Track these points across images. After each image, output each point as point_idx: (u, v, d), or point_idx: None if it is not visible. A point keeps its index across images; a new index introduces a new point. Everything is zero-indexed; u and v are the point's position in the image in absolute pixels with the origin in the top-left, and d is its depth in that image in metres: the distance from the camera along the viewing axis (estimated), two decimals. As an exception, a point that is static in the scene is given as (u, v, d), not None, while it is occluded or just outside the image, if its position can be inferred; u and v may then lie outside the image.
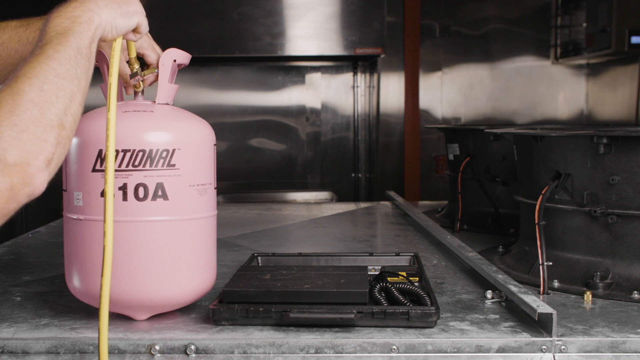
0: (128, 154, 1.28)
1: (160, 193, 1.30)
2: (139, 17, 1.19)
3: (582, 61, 5.21)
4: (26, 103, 0.91)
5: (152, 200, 1.29)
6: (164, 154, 1.30)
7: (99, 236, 1.19)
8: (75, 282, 1.35)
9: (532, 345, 1.24)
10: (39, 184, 0.89)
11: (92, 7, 1.09)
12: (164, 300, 1.34)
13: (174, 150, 1.30)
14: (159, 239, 1.31)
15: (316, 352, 1.24)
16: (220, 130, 5.09)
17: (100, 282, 1.13)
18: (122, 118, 1.28)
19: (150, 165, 1.29)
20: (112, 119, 1.13)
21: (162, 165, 1.30)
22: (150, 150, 1.29)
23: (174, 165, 1.31)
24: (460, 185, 2.41)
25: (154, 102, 1.37)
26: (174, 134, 1.32)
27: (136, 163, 1.28)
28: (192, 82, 4.95)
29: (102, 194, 1.24)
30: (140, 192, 1.29)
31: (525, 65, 5.29)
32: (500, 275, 1.53)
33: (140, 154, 1.28)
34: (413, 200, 4.40)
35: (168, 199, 1.30)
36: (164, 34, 4.34)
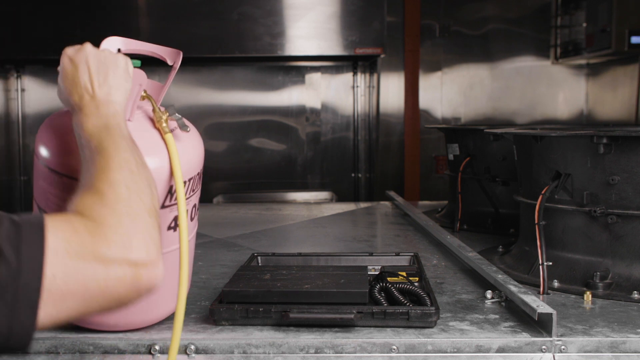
0: (188, 183, 1.28)
1: (192, 215, 1.32)
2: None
3: (582, 61, 5.21)
4: (124, 193, 0.94)
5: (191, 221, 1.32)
6: (197, 177, 1.31)
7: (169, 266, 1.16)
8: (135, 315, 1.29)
9: (532, 345, 1.24)
10: (160, 278, 0.91)
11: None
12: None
13: (199, 173, 1.32)
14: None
15: (316, 352, 1.24)
16: (220, 130, 5.12)
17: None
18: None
19: (192, 192, 1.30)
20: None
21: (196, 188, 1.32)
22: (197, 174, 1.30)
23: (196, 188, 1.32)
24: (460, 185, 2.40)
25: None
26: (201, 154, 1.32)
27: (193, 188, 1.30)
28: (192, 82, 4.95)
29: (169, 227, 1.26)
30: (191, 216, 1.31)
31: (525, 65, 5.29)
32: (500, 275, 1.53)
33: (192, 180, 1.28)
34: (413, 200, 4.40)
35: (192, 220, 1.33)
36: (164, 34, 4.35)
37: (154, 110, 1.26)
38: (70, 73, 1.13)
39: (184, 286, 1.14)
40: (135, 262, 0.88)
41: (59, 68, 1.16)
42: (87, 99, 1.10)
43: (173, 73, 1.32)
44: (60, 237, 0.84)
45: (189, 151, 1.27)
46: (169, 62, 1.32)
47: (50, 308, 0.82)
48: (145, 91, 1.26)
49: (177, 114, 1.28)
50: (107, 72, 1.13)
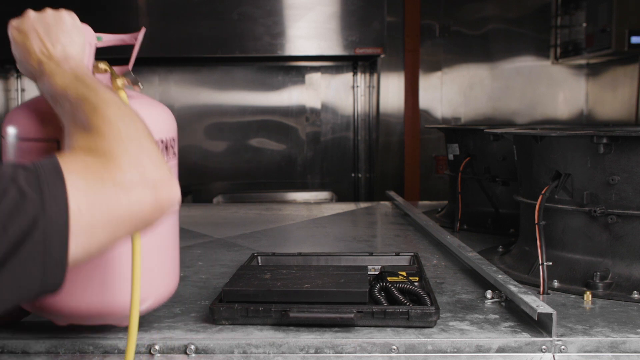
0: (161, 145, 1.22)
1: None
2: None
3: (582, 61, 5.21)
4: (120, 124, 0.96)
5: None
6: (173, 143, 1.27)
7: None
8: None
9: (532, 345, 1.24)
10: (178, 197, 0.95)
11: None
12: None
13: (174, 139, 1.27)
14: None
15: (316, 352, 1.24)
16: (220, 130, 5.12)
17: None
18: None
19: (167, 156, 1.24)
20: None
21: (173, 156, 1.27)
22: (162, 141, 1.23)
23: (175, 154, 1.28)
24: (460, 185, 2.41)
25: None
26: (167, 120, 1.27)
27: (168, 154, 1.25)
28: (192, 82, 4.95)
29: None
30: None
31: (525, 65, 5.29)
32: (500, 275, 1.53)
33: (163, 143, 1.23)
34: (413, 200, 4.40)
35: None
36: (164, 34, 4.35)
37: (111, 74, 1.24)
38: (21, 42, 1.15)
39: (137, 285, 1.11)
40: (153, 182, 0.91)
41: (11, 41, 1.17)
42: (45, 61, 1.11)
43: (136, 49, 1.30)
44: (76, 173, 0.86)
45: (152, 114, 1.22)
46: (131, 42, 1.30)
47: (82, 240, 0.84)
48: (107, 63, 1.24)
49: (132, 74, 1.26)
50: (56, 31, 1.14)
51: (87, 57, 1.23)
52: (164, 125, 1.26)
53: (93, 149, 0.92)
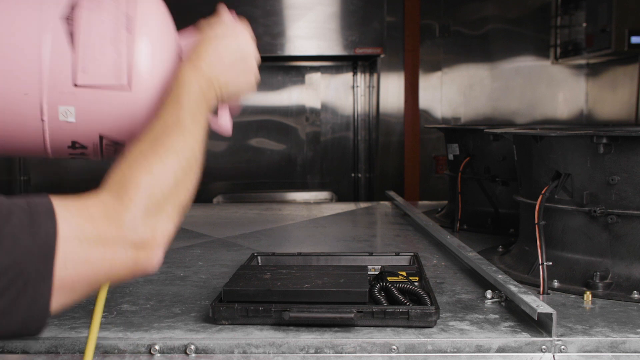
0: None
1: None
2: None
3: (582, 61, 5.21)
4: (169, 176, 0.94)
5: None
6: None
7: None
8: None
9: (532, 345, 1.24)
10: (157, 264, 0.92)
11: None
12: None
13: None
14: None
15: (316, 352, 1.24)
16: (220, 130, 5.12)
17: None
18: None
19: None
20: None
21: None
22: None
23: None
24: (460, 185, 2.40)
25: None
26: None
27: None
28: (192, 82, 4.95)
29: None
30: None
31: (525, 65, 5.29)
32: (500, 275, 1.53)
33: None
34: (413, 200, 4.40)
35: None
36: (164, 33, 4.35)
37: None
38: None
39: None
40: (142, 246, 0.88)
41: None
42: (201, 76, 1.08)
43: None
44: (73, 223, 0.84)
45: None
46: None
47: (61, 295, 0.83)
48: None
49: None
50: (237, 71, 1.15)
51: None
52: None
53: (119, 185, 0.91)
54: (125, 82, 1.09)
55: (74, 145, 1.12)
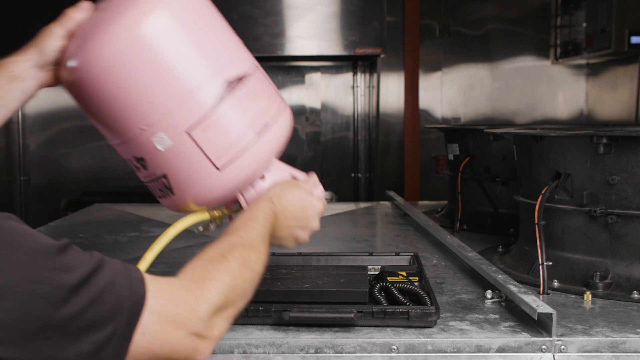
0: None
1: None
2: None
3: (582, 61, 5.21)
4: (241, 284, 1.03)
5: None
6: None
7: None
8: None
9: (532, 345, 1.24)
10: (207, 356, 0.97)
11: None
12: None
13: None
14: None
15: (316, 352, 1.24)
16: (220, 130, 5.11)
17: None
18: None
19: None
20: None
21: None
22: None
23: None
24: (460, 185, 2.40)
25: None
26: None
27: None
28: (192, 82, 4.95)
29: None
30: None
31: (525, 65, 5.29)
32: (500, 275, 1.53)
33: None
34: (413, 200, 4.40)
35: None
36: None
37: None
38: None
39: None
40: (204, 337, 0.94)
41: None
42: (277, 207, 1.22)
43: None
44: (158, 298, 0.89)
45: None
46: None
47: (129, 357, 0.87)
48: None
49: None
50: (307, 224, 1.29)
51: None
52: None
53: (200, 276, 0.97)
54: (221, 165, 1.17)
55: (139, 160, 1.18)
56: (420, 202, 3.40)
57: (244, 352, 1.24)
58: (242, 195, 1.26)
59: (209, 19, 1.22)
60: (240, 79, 1.19)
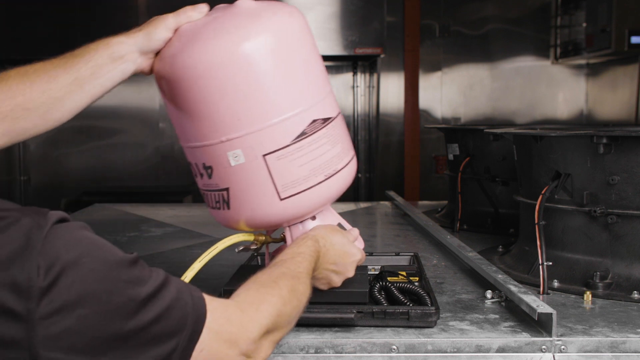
0: None
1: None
2: None
3: (582, 61, 5.21)
4: (289, 311, 1.06)
5: None
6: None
7: None
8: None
9: (532, 345, 1.24)
10: None
11: None
12: None
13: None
14: None
15: (316, 352, 1.24)
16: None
17: None
18: None
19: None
20: None
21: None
22: None
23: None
24: (460, 185, 2.40)
25: None
26: None
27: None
28: (192, 82, 4.94)
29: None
30: None
31: (525, 65, 5.29)
32: (500, 275, 1.53)
33: None
34: (413, 200, 4.40)
35: None
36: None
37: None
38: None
39: None
40: (251, 358, 0.97)
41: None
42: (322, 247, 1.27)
43: None
44: (217, 316, 0.93)
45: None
46: None
47: None
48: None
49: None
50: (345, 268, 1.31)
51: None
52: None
53: (254, 299, 1.01)
54: (284, 196, 1.21)
55: (207, 167, 1.21)
56: (420, 202, 3.40)
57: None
58: (290, 229, 1.31)
59: (312, 57, 1.27)
60: (325, 120, 1.24)
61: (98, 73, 1.17)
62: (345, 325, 1.29)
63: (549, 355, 1.23)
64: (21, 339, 0.75)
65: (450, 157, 2.53)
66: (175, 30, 1.20)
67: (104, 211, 3.07)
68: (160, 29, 1.19)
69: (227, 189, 1.21)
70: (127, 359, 0.82)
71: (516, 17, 5.24)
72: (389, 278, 1.43)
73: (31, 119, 1.14)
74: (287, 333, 1.07)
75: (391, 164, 5.21)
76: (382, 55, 4.69)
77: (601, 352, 1.24)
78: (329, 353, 1.24)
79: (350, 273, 1.31)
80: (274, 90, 1.16)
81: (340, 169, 1.28)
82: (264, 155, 1.18)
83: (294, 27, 1.22)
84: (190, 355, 0.88)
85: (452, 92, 5.26)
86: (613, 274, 1.56)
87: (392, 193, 3.16)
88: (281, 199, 1.21)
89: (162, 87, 1.21)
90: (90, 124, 5.12)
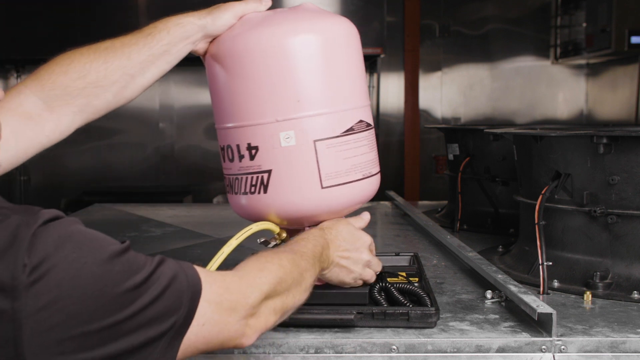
0: None
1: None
2: None
3: (582, 61, 5.21)
4: (289, 281, 1.06)
5: None
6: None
7: None
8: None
9: (532, 345, 1.24)
10: (250, 344, 1.00)
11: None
12: None
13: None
14: None
15: (316, 352, 1.24)
16: (220, 130, 5.11)
17: None
18: None
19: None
20: None
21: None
22: None
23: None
24: (460, 185, 2.40)
25: None
26: None
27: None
28: (192, 82, 4.94)
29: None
30: None
31: (525, 65, 5.29)
32: (500, 275, 1.53)
33: None
34: (413, 200, 4.40)
35: None
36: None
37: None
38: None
39: None
40: (251, 323, 0.97)
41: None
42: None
43: None
44: (214, 287, 0.93)
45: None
46: None
47: (184, 347, 0.89)
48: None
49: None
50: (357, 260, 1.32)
51: None
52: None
53: (256, 269, 1.02)
54: (326, 185, 1.25)
55: (252, 148, 1.24)
56: (420, 202, 3.40)
57: (244, 352, 1.24)
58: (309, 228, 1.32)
59: (363, 67, 1.34)
60: (368, 125, 1.32)
61: (170, 51, 1.22)
62: (345, 326, 1.29)
63: (549, 355, 1.23)
64: (8, 337, 0.75)
65: (450, 157, 2.53)
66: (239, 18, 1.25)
67: (104, 211, 3.07)
68: (228, 15, 1.24)
69: (269, 171, 1.23)
70: (122, 343, 0.82)
71: (516, 17, 5.24)
72: (388, 279, 1.43)
73: (105, 96, 1.18)
74: (290, 306, 1.07)
75: (391, 164, 5.21)
76: (382, 55, 4.68)
77: (601, 352, 1.24)
78: (329, 353, 1.24)
79: (365, 256, 1.32)
80: (334, 82, 1.23)
81: (374, 175, 1.34)
82: (315, 140, 1.21)
83: (355, 34, 1.30)
84: (186, 331, 0.88)
85: (452, 92, 5.26)
86: (613, 274, 1.56)
87: (392, 193, 3.16)
88: (322, 187, 1.23)
89: (217, 67, 1.24)
90: (90, 124, 5.09)
